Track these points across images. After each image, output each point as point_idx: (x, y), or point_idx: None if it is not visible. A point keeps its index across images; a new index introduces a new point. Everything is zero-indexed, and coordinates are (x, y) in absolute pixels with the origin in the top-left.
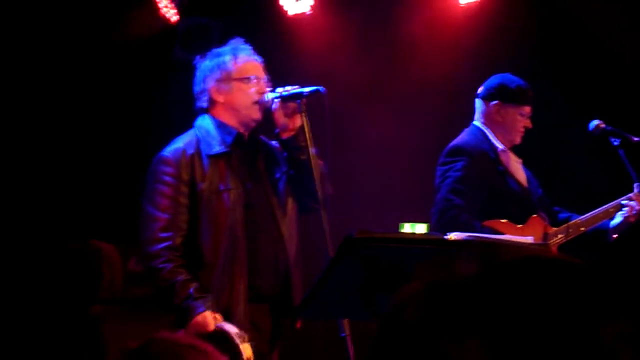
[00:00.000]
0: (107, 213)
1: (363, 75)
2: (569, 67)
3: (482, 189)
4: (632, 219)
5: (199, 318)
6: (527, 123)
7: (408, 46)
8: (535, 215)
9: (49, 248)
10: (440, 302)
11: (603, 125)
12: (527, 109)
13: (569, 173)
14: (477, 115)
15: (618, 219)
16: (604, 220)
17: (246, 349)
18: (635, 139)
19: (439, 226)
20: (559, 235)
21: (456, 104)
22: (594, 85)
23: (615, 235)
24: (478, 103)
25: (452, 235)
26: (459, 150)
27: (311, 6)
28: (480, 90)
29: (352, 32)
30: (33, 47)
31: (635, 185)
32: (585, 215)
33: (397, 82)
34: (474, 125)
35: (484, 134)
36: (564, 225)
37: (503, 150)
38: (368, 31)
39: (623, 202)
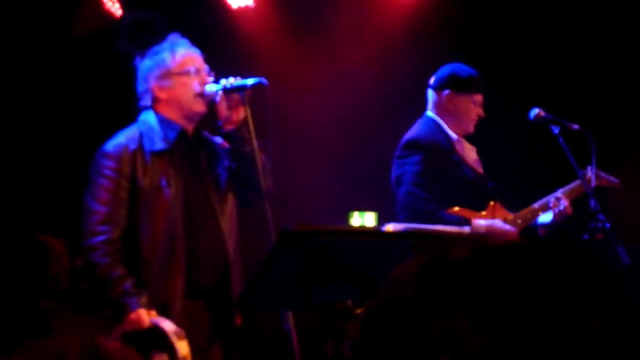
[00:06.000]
0: (54, 208)
1: (303, 67)
2: (505, 57)
3: (441, 180)
4: (559, 219)
5: (132, 316)
6: (480, 111)
7: (351, 38)
8: (493, 202)
9: None
10: (432, 281)
11: (543, 114)
12: (479, 97)
13: (509, 163)
14: (430, 105)
15: (549, 216)
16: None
17: (182, 347)
18: (575, 126)
19: (410, 220)
20: (519, 221)
21: (401, 93)
22: (531, 75)
23: (543, 232)
24: (430, 93)
25: (389, 226)
26: (414, 144)
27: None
28: (431, 80)
29: (292, 25)
30: None
31: (579, 172)
32: (540, 200)
33: (337, 73)
34: (427, 116)
35: (438, 124)
36: (523, 211)
37: (457, 140)
38: (309, 24)
39: (551, 199)
